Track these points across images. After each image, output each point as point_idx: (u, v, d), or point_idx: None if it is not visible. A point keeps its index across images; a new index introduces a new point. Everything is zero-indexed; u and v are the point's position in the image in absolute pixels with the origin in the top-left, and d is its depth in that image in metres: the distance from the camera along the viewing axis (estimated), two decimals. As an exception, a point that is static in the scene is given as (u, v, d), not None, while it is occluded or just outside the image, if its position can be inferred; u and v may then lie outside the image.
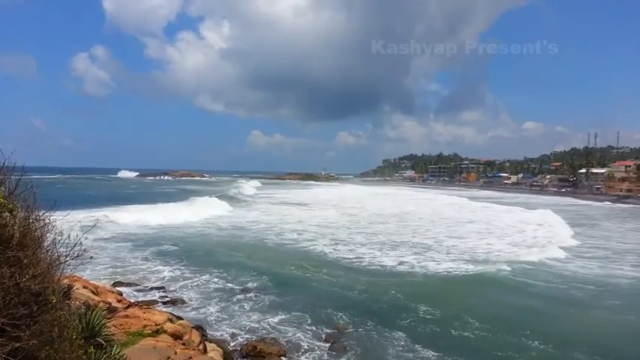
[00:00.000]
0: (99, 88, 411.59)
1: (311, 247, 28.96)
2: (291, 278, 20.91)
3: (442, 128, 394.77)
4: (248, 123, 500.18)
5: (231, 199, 65.48)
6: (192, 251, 26.40)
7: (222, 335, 13.68)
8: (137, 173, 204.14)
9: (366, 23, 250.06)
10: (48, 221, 4.70)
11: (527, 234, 37.78)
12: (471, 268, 23.61)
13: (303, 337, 13.76)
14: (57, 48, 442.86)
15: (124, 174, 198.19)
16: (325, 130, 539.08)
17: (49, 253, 5.34)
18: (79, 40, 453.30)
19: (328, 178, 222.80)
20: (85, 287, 11.39)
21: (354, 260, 25.30)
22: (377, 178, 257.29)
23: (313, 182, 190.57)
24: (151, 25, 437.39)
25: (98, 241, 26.42)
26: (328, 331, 14.32)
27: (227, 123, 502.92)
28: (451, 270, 23.28)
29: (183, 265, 22.50)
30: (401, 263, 24.59)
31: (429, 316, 15.81)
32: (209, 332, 13.60)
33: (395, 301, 17.60)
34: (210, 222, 40.86)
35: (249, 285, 19.38)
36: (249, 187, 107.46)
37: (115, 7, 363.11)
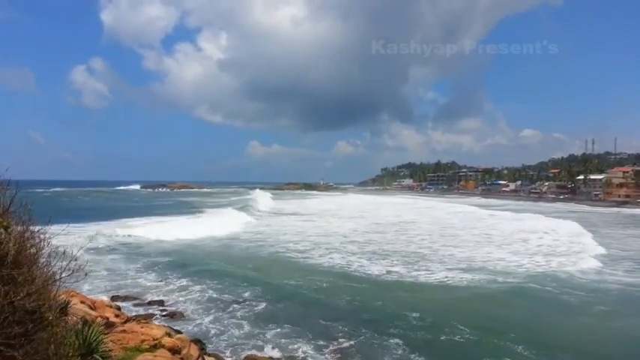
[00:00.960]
0: (97, 101, 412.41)
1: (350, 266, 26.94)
2: (306, 292, 20.46)
3: (440, 136, 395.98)
4: (246, 133, 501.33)
5: (250, 211, 64.95)
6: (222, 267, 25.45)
7: (221, 349, 13.56)
8: (140, 185, 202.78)
9: (364, 33, 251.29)
10: (43, 237, 4.67)
11: (561, 245, 35.88)
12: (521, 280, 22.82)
13: (303, 349, 13.64)
14: (55, 61, 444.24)
15: (132, 187, 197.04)
16: (323, 140, 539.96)
17: (46, 270, 5.31)
18: (77, 53, 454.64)
19: (327, 188, 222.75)
20: (82, 302, 11.30)
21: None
22: (376, 187, 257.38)
23: (315, 192, 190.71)
24: (149, 36, 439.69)
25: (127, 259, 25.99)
26: (325, 342, 14.21)
27: (225, 134, 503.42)
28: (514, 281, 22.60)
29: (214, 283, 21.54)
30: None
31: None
32: (208, 346, 13.48)
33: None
34: (236, 235, 40.02)
35: (247, 295, 19.31)
36: (262, 197, 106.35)
37: (113, 19, 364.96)
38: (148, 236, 35.39)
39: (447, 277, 23.76)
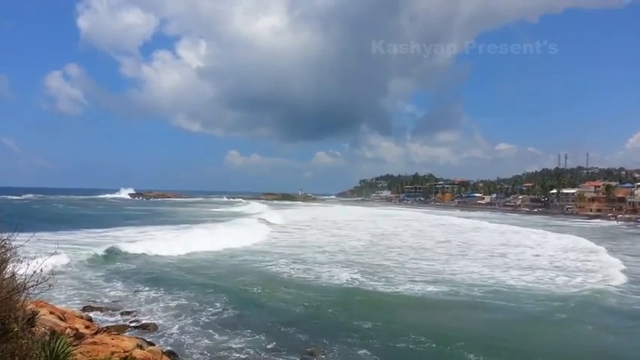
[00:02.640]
0: (73, 107, 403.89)
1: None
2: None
3: (418, 149, 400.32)
4: (225, 143, 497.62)
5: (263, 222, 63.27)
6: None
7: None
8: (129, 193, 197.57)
9: (344, 44, 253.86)
10: (9, 246, 4.54)
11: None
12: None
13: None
14: (30, 66, 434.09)
15: (122, 193, 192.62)
16: (302, 151, 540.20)
17: (11, 280, 5.16)
18: (53, 59, 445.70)
19: (306, 199, 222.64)
20: (51, 313, 10.99)
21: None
22: (354, 198, 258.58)
23: (300, 203, 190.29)
24: (127, 43, 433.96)
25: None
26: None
27: (203, 143, 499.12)
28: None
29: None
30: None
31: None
32: (182, 358, 13.23)
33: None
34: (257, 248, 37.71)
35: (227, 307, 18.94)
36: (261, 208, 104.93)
37: (90, 25, 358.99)
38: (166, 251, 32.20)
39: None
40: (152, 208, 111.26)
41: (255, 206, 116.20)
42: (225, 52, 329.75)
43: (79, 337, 9.74)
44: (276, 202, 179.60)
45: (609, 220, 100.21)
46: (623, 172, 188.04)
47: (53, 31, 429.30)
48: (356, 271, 27.57)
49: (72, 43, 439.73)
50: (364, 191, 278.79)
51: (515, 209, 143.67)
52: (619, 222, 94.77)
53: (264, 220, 66.43)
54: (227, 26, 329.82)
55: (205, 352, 13.69)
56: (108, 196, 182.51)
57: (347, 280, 25.02)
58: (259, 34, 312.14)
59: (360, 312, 18.40)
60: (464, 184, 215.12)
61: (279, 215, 78.14)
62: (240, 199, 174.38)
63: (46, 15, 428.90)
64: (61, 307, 13.86)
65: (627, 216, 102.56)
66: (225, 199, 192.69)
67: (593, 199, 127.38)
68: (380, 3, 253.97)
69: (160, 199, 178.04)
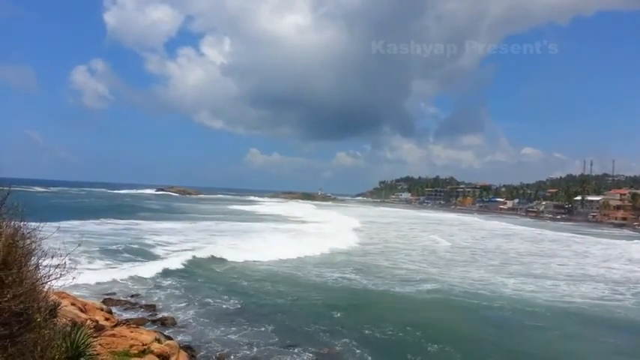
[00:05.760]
0: (97, 102, 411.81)
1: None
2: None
3: (441, 151, 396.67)
4: (247, 141, 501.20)
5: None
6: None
7: (212, 357, 13.41)
8: (155, 189, 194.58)
9: (368, 45, 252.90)
10: (34, 238, 4.63)
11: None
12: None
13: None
14: (56, 60, 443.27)
15: (147, 191, 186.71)
16: (323, 150, 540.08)
17: (35, 271, 5.27)
18: (79, 53, 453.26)
19: (325, 199, 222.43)
20: (73, 304, 11.22)
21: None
22: (374, 200, 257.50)
23: (330, 203, 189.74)
24: (152, 40, 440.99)
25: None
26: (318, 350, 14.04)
27: (225, 140, 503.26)
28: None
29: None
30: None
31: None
32: (200, 353, 13.35)
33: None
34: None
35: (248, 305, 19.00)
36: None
37: (117, 21, 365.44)
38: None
39: None
40: (212, 207, 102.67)
41: (306, 208, 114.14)
42: (249, 50, 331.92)
43: (98, 329, 9.91)
44: (321, 202, 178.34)
45: (635, 229, 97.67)
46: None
47: (80, 26, 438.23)
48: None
49: (98, 38, 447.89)
50: (384, 193, 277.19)
51: (537, 215, 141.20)
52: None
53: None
54: (251, 24, 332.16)
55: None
56: (147, 191, 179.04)
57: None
58: (283, 33, 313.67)
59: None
60: (486, 189, 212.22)
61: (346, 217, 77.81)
62: (277, 199, 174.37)
63: (73, 10, 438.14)
64: (82, 299, 14.14)
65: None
66: (252, 197, 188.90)
67: (618, 207, 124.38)
68: (405, 3, 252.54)
69: (205, 196, 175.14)
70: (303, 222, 66.11)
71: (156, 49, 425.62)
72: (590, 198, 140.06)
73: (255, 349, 13.86)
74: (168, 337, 12.74)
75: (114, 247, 29.95)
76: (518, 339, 16.65)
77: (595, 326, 18.77)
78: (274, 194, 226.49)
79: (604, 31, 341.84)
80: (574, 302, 22.59)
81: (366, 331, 16.04)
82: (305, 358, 13.51)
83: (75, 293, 13.97)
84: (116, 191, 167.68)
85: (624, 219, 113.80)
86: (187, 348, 13.07)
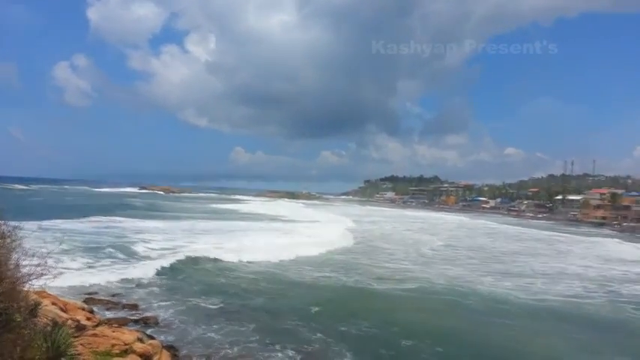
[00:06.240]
0: (80, 98, 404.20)
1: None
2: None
3: (425, 151, 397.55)
4: (231, 139, 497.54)
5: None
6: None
7: (195, 356, 13.38)
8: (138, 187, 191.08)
9: (354, 44, 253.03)
10: (15, 237, 4.60)
11: None
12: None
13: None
14: (38, 55, 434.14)
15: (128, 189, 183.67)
16: (308, 149, 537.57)
17: (17, 269, 5.23)
18: (62, 49, 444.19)
19: (310, 197, 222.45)
20: (54, 304, 11.11)
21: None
22: (358, 198, 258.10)
23: (317, 202, 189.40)
24: (136, 36, 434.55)
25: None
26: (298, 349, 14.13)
27: (210, 138, 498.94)
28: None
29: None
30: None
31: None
32: (182, 353, 13.31)
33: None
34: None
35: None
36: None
37: (100, 16, 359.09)
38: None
39: None
40: (204, 205, 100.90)
41: (292, 206, 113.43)
42: (235, 48, 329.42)
43: (80, 328, 9.84)
44: (306, 201, 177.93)
45: (614, 228, 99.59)
46: (630, 181, 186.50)
47: (63, 20, 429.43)
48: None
49: (81, 34, 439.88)
50: (368, 191, 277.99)
51: (519, 214, 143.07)
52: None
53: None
54: (237, 22, 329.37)
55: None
56: (115, 189, 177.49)
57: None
58: (269, 31, 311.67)
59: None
60: (469, 188, 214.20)
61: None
62: (262, 198, 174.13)
63: (57, 4, 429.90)
64: (63, 298, 13.99)
65: (632, 224, 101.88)
66: (239, 196, 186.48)
67: (598, 207, 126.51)
68: (392, 2, 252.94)
69: (184, 195, 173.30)
70: (292, 221, 66.05)
71: (140, 46, 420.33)
72: (570, 197, 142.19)
73: (235, 348, 13.93)
74: (151, 337, 12.69)
75: (96, 245, 29.56)
76: (487, 334, 17.08)
77: (565, 323, 19.33)
78: (259, 193, 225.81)
79: (587, 31, 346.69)
80: (546, 299, 23.17)
81: (343, 328, 16.35)
82: (285, 355, 13.64)
83: (56, 293, 13.82)
84: (98, 189, 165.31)
85: (604, 218, 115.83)
86: (170, 347, 13.03)
